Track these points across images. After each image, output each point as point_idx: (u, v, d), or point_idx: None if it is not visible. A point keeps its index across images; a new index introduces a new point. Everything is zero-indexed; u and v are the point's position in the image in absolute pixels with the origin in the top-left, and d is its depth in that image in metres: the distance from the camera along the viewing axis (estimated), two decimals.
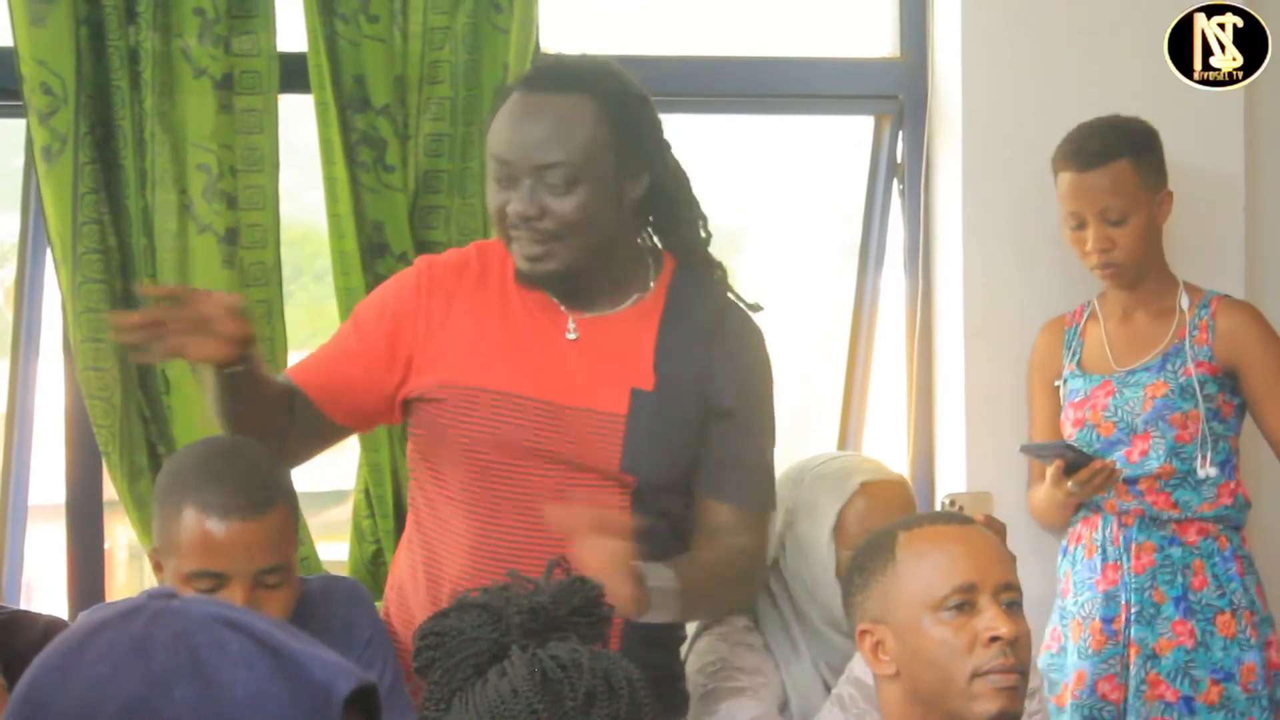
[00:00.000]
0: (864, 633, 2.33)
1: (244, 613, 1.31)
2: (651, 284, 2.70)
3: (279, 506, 2.50)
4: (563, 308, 2.66)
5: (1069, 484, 3.33)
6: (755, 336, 2.74)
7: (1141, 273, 3.46)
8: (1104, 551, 3.42)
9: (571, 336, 2.66)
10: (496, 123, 2.63)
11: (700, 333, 2.69)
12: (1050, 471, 3.35)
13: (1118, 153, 3.38)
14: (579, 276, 2.63)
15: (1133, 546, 3.39)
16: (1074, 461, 3.33)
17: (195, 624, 1.28)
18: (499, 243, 2.69)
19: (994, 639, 2.25)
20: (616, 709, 1.79)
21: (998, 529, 2.87)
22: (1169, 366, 3.42)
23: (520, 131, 2.59)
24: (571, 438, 2.60)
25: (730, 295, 2.75)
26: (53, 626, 2.73)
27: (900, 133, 3.73)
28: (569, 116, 2.59)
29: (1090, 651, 3.40)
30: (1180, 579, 3.37)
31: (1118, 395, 3.43)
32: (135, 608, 1.29)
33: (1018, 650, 2.27)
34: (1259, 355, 3.42)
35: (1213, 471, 3.38)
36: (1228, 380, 3.42)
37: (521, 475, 2.61)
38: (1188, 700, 3.35)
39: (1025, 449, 3.41)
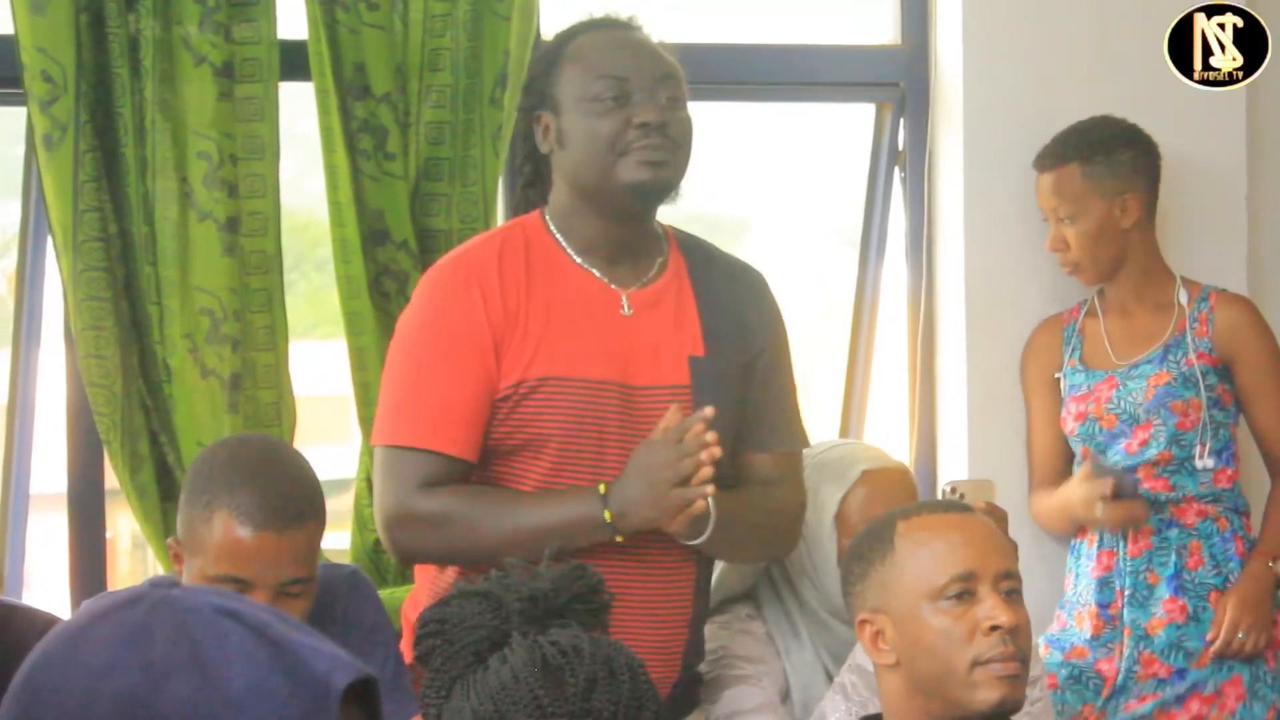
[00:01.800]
0: (863, 622, 2.33)
1: (245, 602, 1.31)
2: (666, 246, 2.72)
3: (313, 520, 2.46)
4: (613, 285, 2.65)
5: (1100, 507, 3.33)
6: (763, 276, 2.80)
7: (1106, 271, 3.50)
8: (1102, 539, 3.45)
9: (626, 313, 2.65)
10: (586, 55, 2.62)
11: (730, 283, 2.73)
12: (1098, 491, 3.33)
13: (1066, 158, 3.47)
14: (662, 198, 2.64)
15: (1130, 531, 3.41)
16: (1124, 491, 3.34)
17: (196, 614, 1.27)
18: (518, 230, 2.67)
19: (994, 628, 2.25)
20: (618, 694, 1.80)
21: (999, 517, 2.87)
22: (1170, 357, 3.45)
23: (630, 49, 2.63)
24: (646, 417, 2.60)
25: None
26: (52, 625, 2.72)
27: (901, 120, 3.73)
28: (658, 45, 2.66)
29: (1090, 637, 3.43)
30: (1175, 559, 3.40)
31: (1121, 388, 3.45)
32: (137, 596, 1.29)
33: (1018, 639, 2.26)
34: (1253, 350, 3.46)
35: (1210, 462, 3.42)
36: (1227, 371, 3.45)
37: (597, 461, 2.59)
38: (1181, 671, 3.38)
39: (1098, 467, 3.38)
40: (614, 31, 2.66)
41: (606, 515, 2.49)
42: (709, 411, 2.50)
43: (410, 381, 2.61)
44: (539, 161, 2.70)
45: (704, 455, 2.48)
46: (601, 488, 2.51)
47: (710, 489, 2.49)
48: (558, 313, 2.61)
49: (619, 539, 2.51)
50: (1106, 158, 3.46)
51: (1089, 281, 3.52)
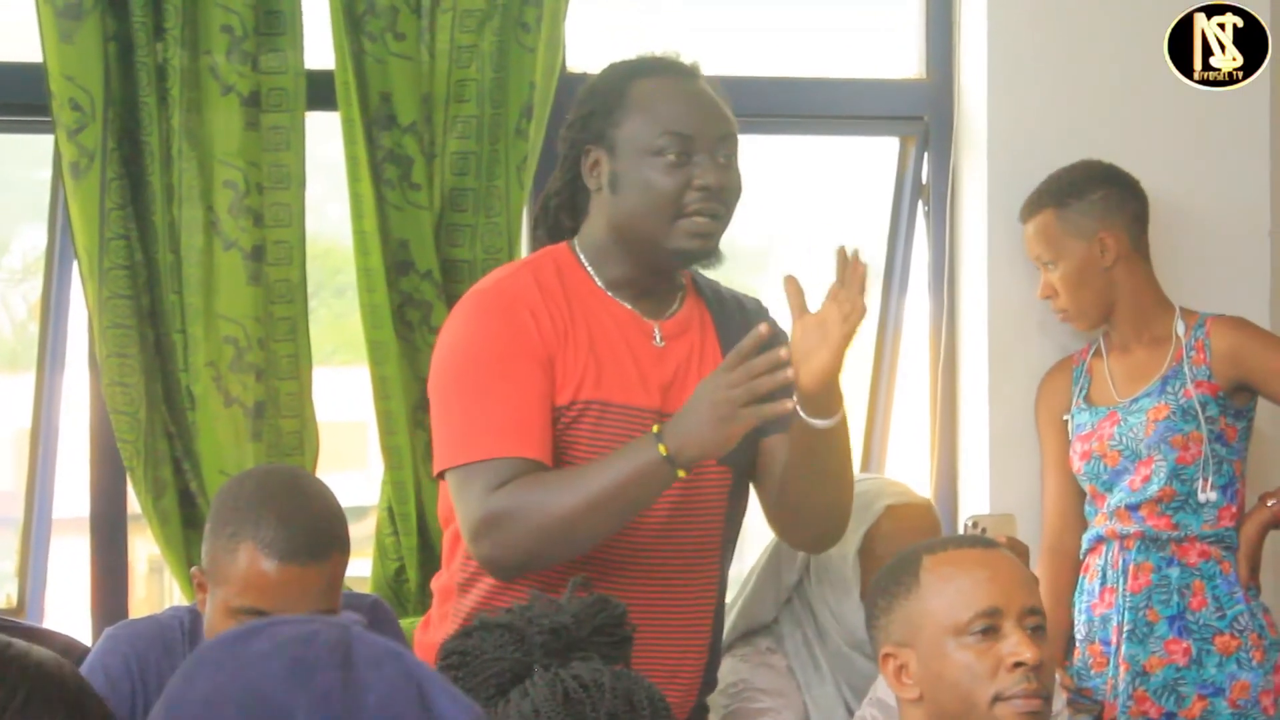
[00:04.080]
0: (887, 656, 2.33)
1: (415, 658, 1.35)
2: (682, 279, 2.73)
3: (337, 553, 2.46)
4: (645, 318, 2.65)
5: None
6: (762, 302, 2.80)
7: (1097, 314, 3.51)
8: (1104, 575, 3.47)
9: (659, 344, 2.65)
10: (652, 105, 2.59)
11: (740, 311, 2.74)
12: None
13: (1042, 204, 3.51)
14: (701, 264, 2.64)
15: (1130, 567, 3.43)
16: None
17: (362, 641, 1.31)
18: (548, 260, 2.66)
19: (1018, 664, 2.25)
20: None
21: (1021, 551, 2.87)
22: (1169, 389, 3.45)
23: (696, 105, 2.60)
24: None
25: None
26: (70, 648, 2.73)
27: (925, 154, 3.74)
28: (718, 97, 2.64)
29: (1092, 673, 3.43)
30: (1178, 599, 3.40)
31: (1123, 424, 3.46)
32: (321, 617, 1.35)
33: (1041, 675, 2.26)
34: (1261, 360, 3.44)
35: (1213, 495, 3.41)
36: (1230, 401, 3.44)
37: None
38: (1170, 716, 3.38)
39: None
40: (680, 82, 2.63)
41: (661, 450, 2.43)
42: (764, 329, 2.45)
43: (473, 399, 2.56)
44: (578, 191, 2.69)
45: (782, 374, 2.40)
46: (655, 428, 2.47)
47: (790, 403, 2.42)
48: (599, 338, 2.61)
49: (681, 473, 2.45)
50: (1079, 199, 3.48)
51: (1082, 327, 3.54)
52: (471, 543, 2.54)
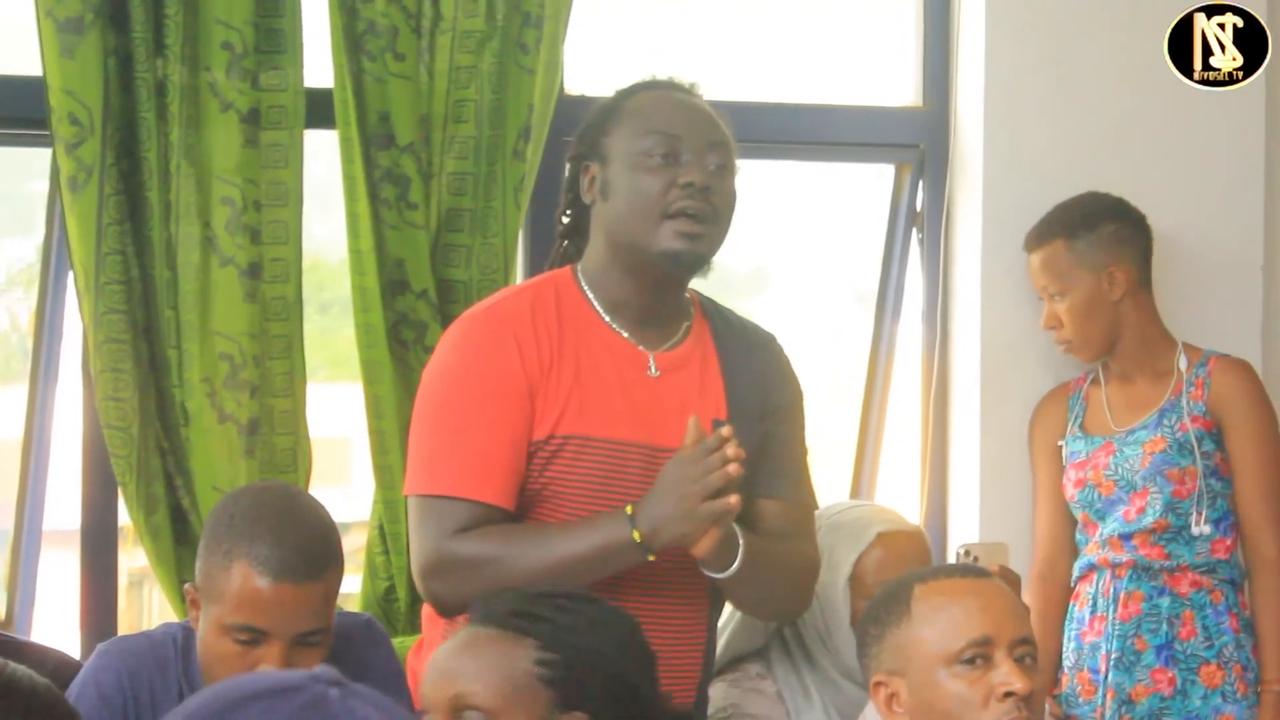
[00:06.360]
0: (878, 684, 2.33)
1: (397, 717, 1.30)
2: (691, 310, 2.72)
3: (330, 571, 2.47)
4: (640, 347, 2.64)
5: None
6: (779, 341, 2.80)
7: (1102, 346, 3.52)
8: (1094, 604, 3.47)
9: (653, 375, 2.64)
10: (642, 112, 2.61)
11: (750, 348, 2.73)
12: None
13: (1052, 235, 3.51)
14: (694, 270, 2.63)
15: (1121, 596, 3.43)
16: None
17: (347, 715, 1.25)
18: (548, 285, 2.65)
19: (1008, 694, 2.25)
20: None
21: (1012, 581, 2.87)
22: (1165, 422, 3.45)
23: (685, 111, 2.62)
24: None
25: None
26: (63, 665, 2.72)
27: (920, 182, 3.75)
28: (715, 114, 2.65)
29: (1080, 701, 3.44)
30: (1166, 628, 3.41)
31: (1118, 454, 3.46)
32: (294, 686, 1.27)
33: (1032, 705, 2.27)
34: (1241, 415, 3.46)
35: (1206, 529, 3.43)
36: (1222, 436, 3.45)
37: None
38: None
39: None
40: (673, 93, 2.66)
41: (635, 535, 2.46)
42: (727, 431, 2.48)
43: (446, 431, 2.58)
44: (581, 212, 2.69)
45: (730, 468, 2.45)
46: (629, 509, 2.49)
47: (735, 499, 2.46)
48: (587, 370, 2.60)
49: (651, 558, 2.49)
50: (1090, 232, 3.49)
51: (1085, 359, 3.55)
52: (421, 577, 2.57)
